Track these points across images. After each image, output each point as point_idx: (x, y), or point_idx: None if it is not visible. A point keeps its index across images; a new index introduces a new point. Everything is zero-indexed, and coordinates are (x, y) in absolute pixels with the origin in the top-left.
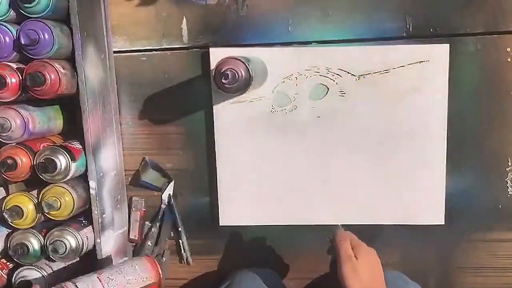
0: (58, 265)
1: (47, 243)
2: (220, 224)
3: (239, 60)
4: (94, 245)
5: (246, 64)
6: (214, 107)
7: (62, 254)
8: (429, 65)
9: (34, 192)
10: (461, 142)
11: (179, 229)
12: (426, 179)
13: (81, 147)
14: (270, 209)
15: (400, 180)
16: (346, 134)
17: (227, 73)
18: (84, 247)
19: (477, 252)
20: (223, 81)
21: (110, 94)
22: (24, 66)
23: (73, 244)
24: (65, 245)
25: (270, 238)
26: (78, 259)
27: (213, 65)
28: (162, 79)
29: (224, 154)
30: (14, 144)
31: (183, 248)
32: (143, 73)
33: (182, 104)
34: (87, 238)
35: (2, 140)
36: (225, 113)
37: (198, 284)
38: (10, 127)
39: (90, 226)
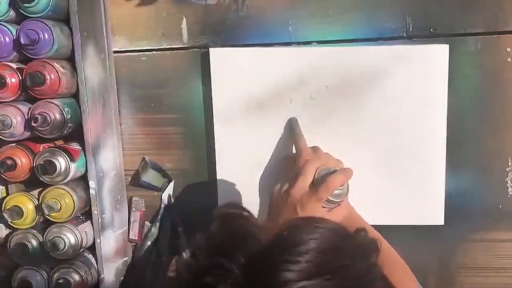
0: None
1: (46, 240)
2: None
3: (53, 103)
4: (94, 241)
5: (61, 107)
6: (214, 107)
7: (61, 251)
8: (429, 65)
9: (34, 192)
10: (461, 142)
11: (179, 229)
12: (426, 179)
13: (80, 148)
14: None
15: (400, 180)
16: (346, 134)
17: (37, 117)
18: (83, 243)
19: (477, 252)
20: (32, 124)
21: (110, 94)
22: (24, 66)
23: (72, 240)
24: (64, 241)
25: None
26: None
27: (213, 65)
28: (162, 79)
29: (224, 154)
30: (14, 144)
31: (183, 248)
32: (143, 73)
33: (182, 104)
34: (86, 234)
35: (4, 138)
36: (225, 113)
37: None
38: (11, 124)
39: (89, 221)
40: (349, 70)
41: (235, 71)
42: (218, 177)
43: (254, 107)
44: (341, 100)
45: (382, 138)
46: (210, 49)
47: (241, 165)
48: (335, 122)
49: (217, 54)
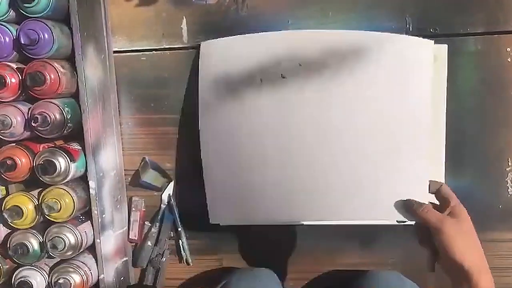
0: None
1: (46, 240)
2: (211, 223)
3: (53, 103)
4: (94, 241)
5: (61, 107)
6: (199, 96)
7: (61, 251)
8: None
9: (34, 192)
10: (461, 142)
11: (179, 229)
12: (426, 179)
13: (80, 148)
14: (269, 209)
15: (400, 179)
16: (345, 133)
17: (37, 117)
18: (83, 243)
19: None
20: (32, 124)
21: (110, 94)
22: (24, 66)
23: (72, 240)
24: (64, 241)
25: (270, 238)
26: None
27: (204, 62)
28: (162, 79)
29: (216, 153)
30: (14, 144)
31: (183, 248)
32: (143, 73)
33: (182, 104)
34: (86, 234)
35: (4, 138)
36: (208, 103)
37: (198, 284)
38: (11, 124)
39: (89, 221)
40: (349, 70)
41: (218, 62)
42: (210, 178)
43: (233, 94)
44: (340, 100)
45: (381, 137)
46: (202, 42)
47: (239, 164)
48: (334, 120)
49: (204, 47)
